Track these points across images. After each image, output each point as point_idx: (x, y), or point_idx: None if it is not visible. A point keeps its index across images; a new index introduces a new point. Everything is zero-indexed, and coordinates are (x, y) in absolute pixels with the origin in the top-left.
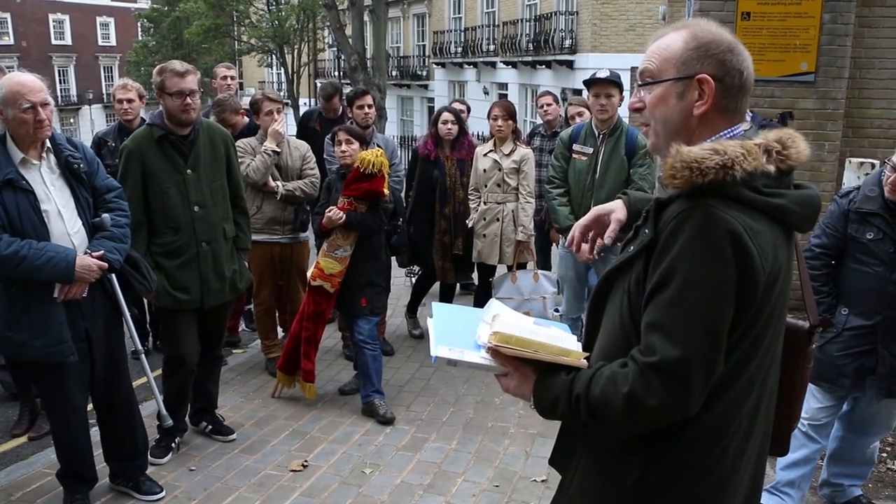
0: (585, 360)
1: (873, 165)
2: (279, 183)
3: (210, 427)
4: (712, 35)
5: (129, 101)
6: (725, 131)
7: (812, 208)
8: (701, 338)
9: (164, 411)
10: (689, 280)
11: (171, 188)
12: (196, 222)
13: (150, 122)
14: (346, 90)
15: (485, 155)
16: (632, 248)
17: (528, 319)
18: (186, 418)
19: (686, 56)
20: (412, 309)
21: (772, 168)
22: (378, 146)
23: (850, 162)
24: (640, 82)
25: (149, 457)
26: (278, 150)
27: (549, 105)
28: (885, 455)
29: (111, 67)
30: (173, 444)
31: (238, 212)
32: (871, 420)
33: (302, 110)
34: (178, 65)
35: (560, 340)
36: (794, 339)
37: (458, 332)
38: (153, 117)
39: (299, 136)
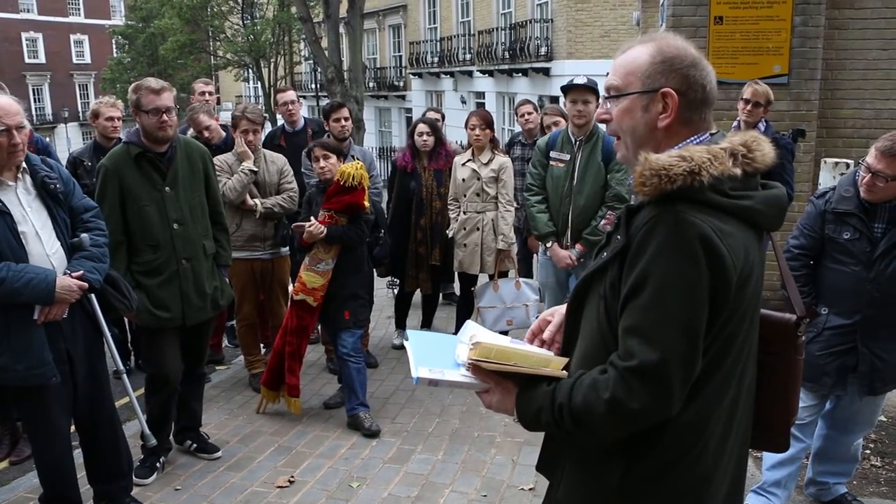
0: (565, 371)
1: (848, 165)
2: (257, 201)
3: (195, 445)
4: (677, 50)
5: (119, 118)
6: (691, 138)
7: (778, 207)
8: (678, 339)
9: (147, 431)
10: (663, 283)
11: (150, 206)
12: (175, 240)
13: (127, 139)
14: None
15: (463, 164)
16: (605, 254)
17: (506, 339)
18: (171, 437)
19: (651, 70)
20: (400, 324)
21: (738, 171)
22: (356, 158)
23: (825, 162)
24: (605, 95)
25: (133, 477)
26: (255, 169)
27: (529, 114)
28: (868, 452)
29: (86, 85)
30: (158, 464)
31: (218, 228)
32: (853, 418)
33: (281, 123)
34: (153, 82)
35: (538, 352)
36: (784, 333)
37: (437, 354)
38: (130, 135)
39: None
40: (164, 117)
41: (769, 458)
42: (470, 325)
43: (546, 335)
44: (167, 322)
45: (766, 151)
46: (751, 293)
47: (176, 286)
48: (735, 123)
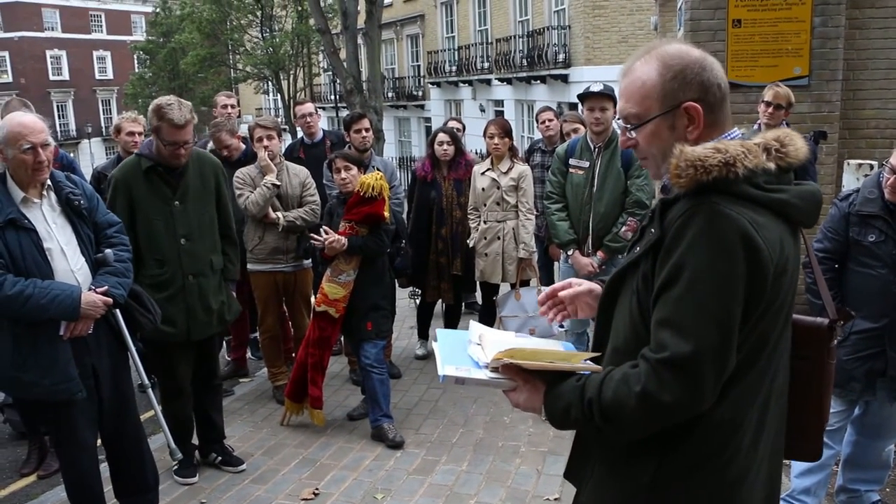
0: (598, 366)
1: (871, 167)
2: (280, 214)
3: (219, 458)
4: (681, 59)
5: (140, 133)
6: (722, 136)
7: (814, 202)
8: (712, 332)
9: (172, 445)
10: (698, 275)
11: (158, 220)
12: (182, 255)
13: (140, 152)
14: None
15: (482, 174)
16: (638, 248)
17: (510, 334)
18: (193, 442)
19: (666, 88)
20: (423, 335)
21: (772, 165)
22: (377, 169)
23: (848, 164)
24: (626, 125)
25: (178, 478)
26: (278, 183)
27: (550, 121)
28: None
29: (109, 101)
30: (195, 461)
31: (227, 242)
32: (883, 423)
33: (301, 135)
34: (176, 114)
35: (558, 350)
36: (817, 336)
37: (463, 353)
38: (143, 147)
39: None
40: (181, 150)
41: (798, 464)
42: (474, 326)
43: (562, 294)
44: (171, 337)
45: (798, 146)
46: (786, 287)
47: (181, 301)
48: (755, 126)
